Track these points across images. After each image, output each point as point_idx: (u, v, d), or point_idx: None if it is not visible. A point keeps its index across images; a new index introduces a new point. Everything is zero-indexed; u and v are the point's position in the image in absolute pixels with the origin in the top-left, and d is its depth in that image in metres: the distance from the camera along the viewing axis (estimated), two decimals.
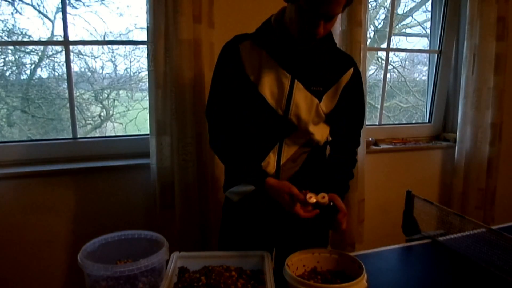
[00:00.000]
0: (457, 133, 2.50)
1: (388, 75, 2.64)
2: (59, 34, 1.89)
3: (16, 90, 1.95)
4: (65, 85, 1.91)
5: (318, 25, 1.07)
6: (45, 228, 1.81)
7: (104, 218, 1.87)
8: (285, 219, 1.27)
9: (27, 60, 1.95)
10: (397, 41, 2.74)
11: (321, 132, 1.28)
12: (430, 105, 2.73)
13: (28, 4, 1.85)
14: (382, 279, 1.17)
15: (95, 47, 2.04)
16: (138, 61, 2.14)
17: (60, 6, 1.83)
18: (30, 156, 1.85)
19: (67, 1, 1.83)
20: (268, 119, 1.21)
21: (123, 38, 2.06)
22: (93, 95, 2.17)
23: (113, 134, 2.19)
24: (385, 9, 2.67)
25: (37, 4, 1.86)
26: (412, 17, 2.73)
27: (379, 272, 1.22)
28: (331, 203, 1.13)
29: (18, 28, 1.86)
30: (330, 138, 1.36)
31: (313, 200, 1.10)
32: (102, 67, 2.11)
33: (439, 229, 1.49)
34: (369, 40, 2.50)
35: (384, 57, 2.56)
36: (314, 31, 1.08)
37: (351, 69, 1.26)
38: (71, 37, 1.85)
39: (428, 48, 2.71)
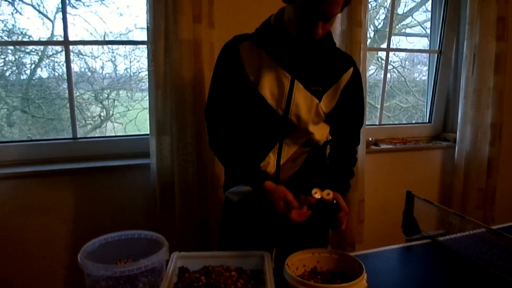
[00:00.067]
0: (457, 133, 2.50)
1: (388, 75, 2.64)
2: (59, 34, 1.89)
3: (16, 90, 1.95)
4: (65, 85, 1.91)
5: (316, 25, 1.07)
6: (45, 228, 1.81)
7: (104, 218, 1.88)
8: (285, 219, 1.27)
9: (27, 60, 1.95)
10: (397, 41, 2.74)
11: (321, 132, 1.28)
12: (430, 105, 2.73)
13: (28, 4, 1.85)
14: (382, 279, 1.18)
15: (95, 47, 2.04)
16: (138, 61, 2.14)
17: (60, 6, 1.83)
18: (30, 156, 1.85)
19: (67, 1, 1.83)
20: (268, 119, 1.21)
21: (123, 38, 2.06)
22: (93, 95, 2.17)
23: (113, 134, 2.19)
24: (385, 9, 2.67)
25: (37, 4, 1.87)
26: (412, 17, 2.73)
27: (379, 272, 1.22)
28: (335, 201, 1.13)
29: (18, 28, 1.86)
30: (330, 138, 1.36)
31: (318, 195, 1.10)
32: (102, 67, 2.11)
33: (439, 229, 1.49)
34: (369, 40, 2.50)
35: (384, 57, 2.56)
36: (312, 31, 1.08)
37: (351, 69, 1.26)
38: (71, 37, 1.86)
39: (428, 48, 2.70)
